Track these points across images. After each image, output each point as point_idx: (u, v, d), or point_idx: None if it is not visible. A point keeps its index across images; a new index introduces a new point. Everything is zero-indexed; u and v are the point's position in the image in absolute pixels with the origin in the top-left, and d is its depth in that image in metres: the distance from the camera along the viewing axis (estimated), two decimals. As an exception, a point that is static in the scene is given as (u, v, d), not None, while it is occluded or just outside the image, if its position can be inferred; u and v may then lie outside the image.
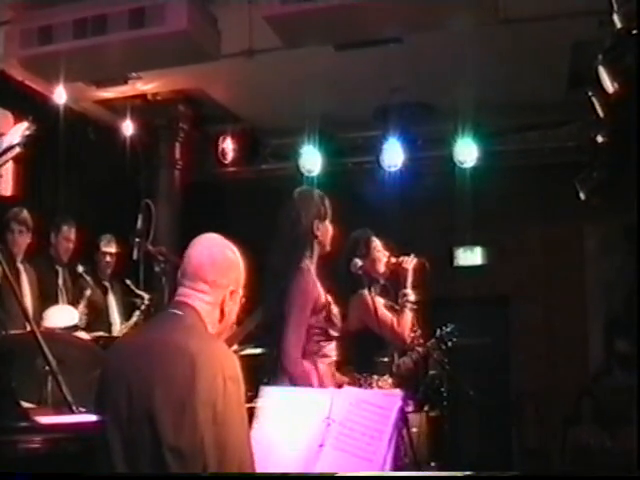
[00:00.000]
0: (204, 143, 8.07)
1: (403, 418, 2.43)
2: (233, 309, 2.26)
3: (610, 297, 8.08)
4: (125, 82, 6.60)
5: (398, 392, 2.73)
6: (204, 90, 7.25)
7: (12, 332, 4.21)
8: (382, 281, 4.27)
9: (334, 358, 3.41)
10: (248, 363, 2.84)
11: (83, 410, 2.67)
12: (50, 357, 2.84)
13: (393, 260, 4.23)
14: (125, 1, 5.20)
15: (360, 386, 3.93)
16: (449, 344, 5.18)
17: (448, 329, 5.24)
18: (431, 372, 5.66)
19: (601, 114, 5.72)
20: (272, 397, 2.56)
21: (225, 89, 7.25)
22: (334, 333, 3.37)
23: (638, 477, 4.09)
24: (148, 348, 2.09)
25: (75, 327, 4.83)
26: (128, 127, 7.03)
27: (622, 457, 6.53)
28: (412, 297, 4.14)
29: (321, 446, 2.35)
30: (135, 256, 4.75)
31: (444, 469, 4.80)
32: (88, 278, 5.73)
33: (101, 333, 5.37)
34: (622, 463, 6.43)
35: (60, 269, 5.71)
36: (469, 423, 7.64)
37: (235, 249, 2.28)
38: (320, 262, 3.51)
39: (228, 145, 8.06)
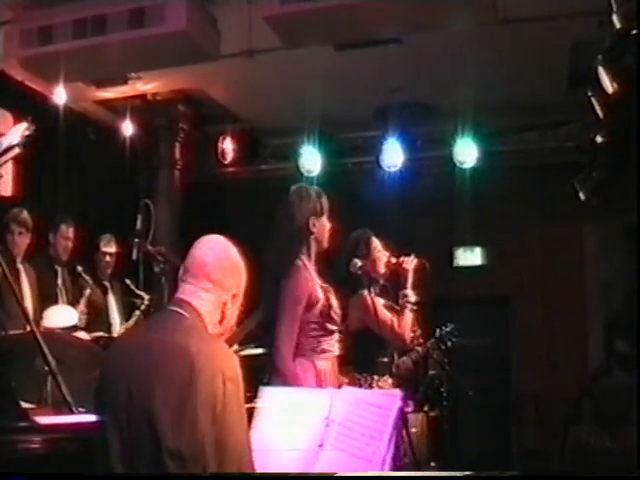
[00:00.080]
0: (204, 143, 8.07)
1: (402, 418, 2.43)
2: (234, 313, 2.26)
3: (610, 297, 8.08)
4: (125, 82, 6.60)
5: (397, 392, 2.73)
6: (204, 90, 7.25)
7: (12, 332, 4.20)
8: (382, 281, 4.27)
9: (336, 352, 3.41)
10: (248, 363, 2.84)
11: (82, 410, 2.67)
12: (50, 357, 2.84)
13: (393, 260, 4.23)
14: (125, 1, 5.20)
15: (360, 386, 3.93)
16: (449, 344, 5.18)
17: (448, 329, 5.25)
18: (431, 372, 5.66)
19: (601, 114, 5.72)
20: (271, 397, 2.57)
21: (225, 89, 7.25)
22: (332, 327, 3.38)
23: (638, 477, 4.09)
24: (148, 348, 2.08)
25: (75, 327, 4.84)
26: (128, 127, 7.04)
27: (622, 457, 6.53)
28: (412, 298, 4.14)
29: (320, 446, 2.35)
30: (134, 256, 4.75)
31: (444, 469, 4.80)
32: (87, 277, 5.72)
33: (101, 333, 5.37)
34: (622, 463, 6.42)
35: (59, 269, 5.71)
36: (469, 423, 7.63)
37: (238, 254, 2.28)
38: (320, 261, 3.52)
39: (228, 145, 8.06)
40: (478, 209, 7.51)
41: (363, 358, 4.05)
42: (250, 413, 2.33)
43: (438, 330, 5.22)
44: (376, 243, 4.25)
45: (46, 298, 5.29)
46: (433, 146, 7.71)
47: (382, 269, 4.23)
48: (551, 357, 8.06)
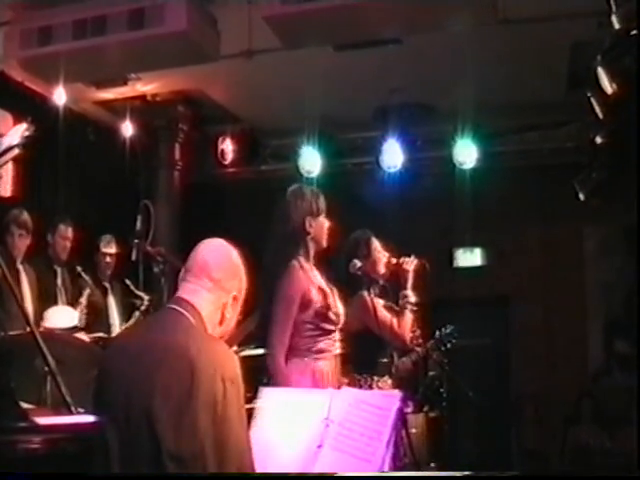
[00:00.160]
0: (203, 144, 8.07)
1: (402, 419, 2.43)
2: (233, 317, 2.25)
3: (610, 298, 8.08)
4: (125, 83, 6.61)
5: (397, 393, 2.73)
6: (203, 91, 7.26)
7: (11, 333, 4.20)
8: (381, 282, 4.27)
9: (335, 352, 3.41)
10: (248, 364, 2.84)
11: (82, 411, 2.67)
12: (49, 358, 2.84)
13: (393, 261, 4.23)
14: (124, 2, 5.20)
15: (360, 387, 3.93)
16: (448, 345, 5.18)
17: (447, 330, 5.25)
18: (431, 373, 5.66)
19: (600, 115, 5.72)
20: (271, 398, 2.57)
21: (224, 90, 7.25)
22: (329, 327, 3.38)
23: (638, 477, 4.09)
24: (148, 348, 2.07)
25: (75, 328, 4.83)
26: (128, 128, 7.03)
27: (622, 457, 6.53)
28: (412, 298, 4.14)
29: (320, 447, 2.35)
30: (134, 257, 4.75)
31: (443, 470, 4.80)
32: (87, 278, 5.72)
33: (101, 334, 5.36)
34: (622, 463, 6.43)
35: (59, 269, 5.71)
36: (469, 424, 7.64)
37: (239, 258, 2.28)
38: (319, 261, 3.52)
39: (227, 146, 8.05)
40: (478, 210, 7.51)
41: (363, 359, 4.05)
42: (250, 413, 2.33)
43: (438, 331, 5.22)
44: (376, 244, 4.24)
45: (46, 298, 5.29)
46: (433, 147, 7.71)
47: (382, 270, 4.23)
48: (551, 358, 8.06)
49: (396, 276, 4.25)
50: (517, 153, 7.67)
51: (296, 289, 3.32)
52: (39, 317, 4.77)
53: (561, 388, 7.71)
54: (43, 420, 2.52)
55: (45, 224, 5.68)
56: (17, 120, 3.54)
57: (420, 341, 4.75)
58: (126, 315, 5.99)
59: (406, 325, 4.10)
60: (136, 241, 4.71)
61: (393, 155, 7.48)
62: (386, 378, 4.15)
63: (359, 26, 5.17)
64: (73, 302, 5.46)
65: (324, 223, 3.50)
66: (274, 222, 3.49)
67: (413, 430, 4.72)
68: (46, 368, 2.90)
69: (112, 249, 6.10)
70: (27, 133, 3.08)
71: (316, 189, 3.58)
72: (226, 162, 8.07)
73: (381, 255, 4.23)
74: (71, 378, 2.87)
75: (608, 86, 5.13)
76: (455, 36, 5.48)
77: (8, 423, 2.42)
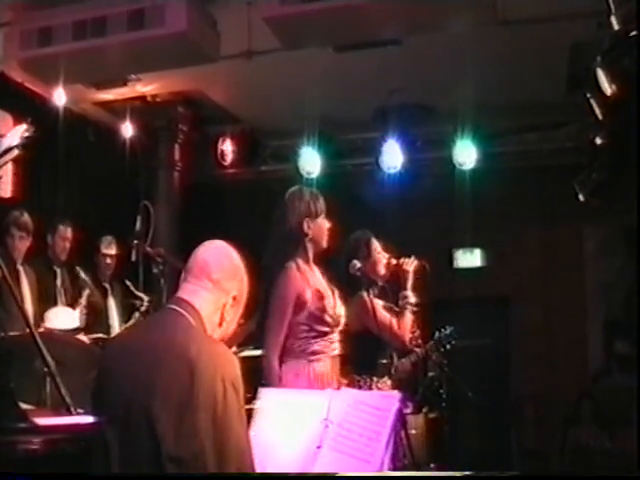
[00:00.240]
0: (203, 144, 8.07)
1: (401, 419, 2.43)
2: (233, 319, 2.25)
3: (610, 298, 8.08)
4: (124, 84, 6.61)
5: (396, 393, 2.73)
6: (203, 91, 7.26)
7: (11, 334, 4.20)
8: (381, 283, 4.27)
9: (331, 354, 3.41)
10: (247, 364, 2.84)
11: (82, 411, 2.67)
12: (49, 358, 2.84)
13: (393, 262, 4.23)
14: (124, 3, 5.21)
15: (359, 388, 3.93)
16: (448, 346, 5.18)
17: (447, 331, 5.24)
18: (430, 374, 5.66)
19: (600, 115, 5.72)
20: (270, 398, 2.57)
21: (224, 90, 7.26)
22: (324, 329, 3.38)
23: (638, 477, 4.08)
24: (147, 349, 2.07)
25: (77, 330, 4.83)
26: (127, 129, 7.03)
27: (622, 458, 6.53)
28: (412, 299, 4.14)
29: (319, 447, 2.35)
30: (134, 258, 4.75)
31: (443, 471, 4.79)
32: (86, 278, 5.72)
33: (100, 335, 5.36)
34: (622, 464, 6.43)
35: (58, 270, 5.71)
36: (468, 425, 7.64)
37: (240, 259, 2.28)
38: (319, 263, 3.52)
39: (227, 146, 8.05)
40: (478, 210, 7.51)
41: (362, 359, 4.05)
42: (249, 414, 2.33)
43: (437, 332, 5.21)
44: (376, 244, 4.24)
45: (46, 299, 5.29)
46: (433, 147, 7.71)
47: (382, 270, 4.23)
48: (551, 358, 8.06)
49: (396, 277, 4.25)
50: (517, 154, 7.67)
51: (291, 290, 3.33)
52: (39, 318, 4.77)
53: (561, 388, 7.71)
54: (43, 421, 2.53)
55: (45, 225, 5.68)
56: (17, 121, 3.55)
57: (420, 342, 4.75)
58: (126, 316, 5.98)
59: (406, 326, 4.10)
60: (136, 242, 4.70)
61: (393, 156, 7.48)
62: (385, 379, 4.15)
63: (359, 27, 5.17)
64: (72, 303, 5.46)
65: (323, 224, 3.50)
66: (273, 223, 3.50)
67: (413, 431, 4.72)
68: (46, 369, 2.91)
69: (113, 250, 6.10)
70: (27, 134, 3.08)
71: (315, 191, 3.57)
72: (226, 163, 8.07)
73: (381, 256, 4.23)
74: (71, 379, 2.87)
75: (608, 87, 5.13)
76: (455, 37, 5.48)
77: (8, 424, 2.42)
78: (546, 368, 8.04)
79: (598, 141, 6.16)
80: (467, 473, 2.43)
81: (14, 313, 4.13)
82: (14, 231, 5.19)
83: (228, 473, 1.97)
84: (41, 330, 4.26)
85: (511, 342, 8.41)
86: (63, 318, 4.85)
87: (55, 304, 5.35)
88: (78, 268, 5.67)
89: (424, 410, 5.23)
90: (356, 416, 2.38)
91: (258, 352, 3.91)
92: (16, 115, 4.77)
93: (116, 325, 6.00)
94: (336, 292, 3.53)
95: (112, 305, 6.12)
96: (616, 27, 4.54)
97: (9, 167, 4.07)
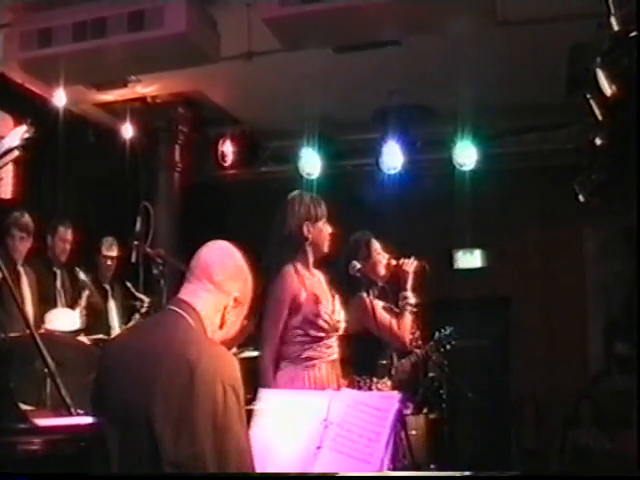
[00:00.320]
0: (203, 145, 8.07)
1: (400, 420, 2.43)
2: (235, 322, 2.24)
3: (610, 299, 8.08)
4: (125, 85, 6.61)
5: (396, 394, 2.73)
6: (203, 92, 7.26)
7: (11, 335, 4.20)
8: (380, 283, 4.27)
9: (327, 359, 3.41)
10: (247, 366, 2.84)
11: (82, 412, 2.67)
12: (49, 359, 2.84)
13: (393, 262, 4.23)
14: (124, 4, 5.21)
15: (359, 388, 3.93)
16: (447, 347, 5.18)
17: (447, 332, 5.24)
18: (430, 374, 5.66)
19: (599, 116, 5.72)
20: (270, 399, 2.57)
21: (224, 91, 7.26)
22: (318, 334, 3.37)
23: (638, 477, 4.08)
24: (147, 351, 2.06)
25: (77, 331, 4.83)
26: (128, 130, 7.04)
27: (622, 459, 6.53)
28: (412, 300, 4.15)
29: (319, 448, 2.35)
30: (134, 259, 4.75)
31: (443, 471, 4.79)
32: (86, 279, 5.71)
33: (101, 336, 5.36)
34: (622, 465, 6.42)
35: (58, 271, 5.71)
36: (468, 425, 7.64)
37: (243, 261, 2.27)
38: (321, 264, 3.52)
39: (227, 147, 8.05)
40: (478, 211, 7.52)
41: (362, 360, 4.05)
42: (248, 415, 2.33)
43: (437, 333, 5.21)
44: (376, 245, 4.25)
45: (46, 300, 5.28)
46: (432, 148, 7.71)
47: (382, 271, 4.23)
48: (551, 359, 8.06)
49: (396, 277, 4.25)
50: (517, 155, 7.68)
51: (287, 293, 3.33)
52: (40, 319, 4.77)
53: (561, 389, 7.71)
54: (43, 421, 2.52)
55: (45, 226, 5.68)
56: (17, 122, 3.54)
57: (420, 343, 4.75)
58: (126, 317, 5.98)
59: (406, 327, 4.10)
60: (136, 243, 4.70)
61: (393, 157, 7.48)
62: (385, 380, 4.15)
63: (358, 28, 5.17)
64: (72, 304, 5.45)
65: (324, 229, 3.50)
66: (273, 227, 3.50)
67: (413, 432, 4.72)
68: (46, 370, 2.90)
69: (114, 252, 6.09)
70: (27, 135, 3.08)
71: (316, 195, 3.58)
72: (226, 164, 8.07)
73: (381, 256, 4.23)
74: (71, 380, 2.87)
75: (607, 88, 5.13)
76: (454, 38, 5.49)
77: (8, 424, 2.42)
78: (546, 369, 8.04)
79: (598, 142, 6.16)
80: (467, 473, 2.43)
81: (14, 314, 4.13)
82: (15, 232, 5.19)
83: (228, 473, 1.97)
84: (41, 331, 4.26)
85: (511, 343, 8.41)
86: (63, 319, 4.85)
87: (55, 305, 5.35)
88: (78, 269, 5.67)
89: (424, 411, 5.23)
90: (356, 417, 2.38)
91: (257, 353, 3.92)
92: (16, 116, 4.76)
93: (116, 326, 6.00)
94: (337, 298, 3.52)
95: (112, 306, 6.11)
96: (616, 28, 4.55)
97: (9, 168, 4.08)
